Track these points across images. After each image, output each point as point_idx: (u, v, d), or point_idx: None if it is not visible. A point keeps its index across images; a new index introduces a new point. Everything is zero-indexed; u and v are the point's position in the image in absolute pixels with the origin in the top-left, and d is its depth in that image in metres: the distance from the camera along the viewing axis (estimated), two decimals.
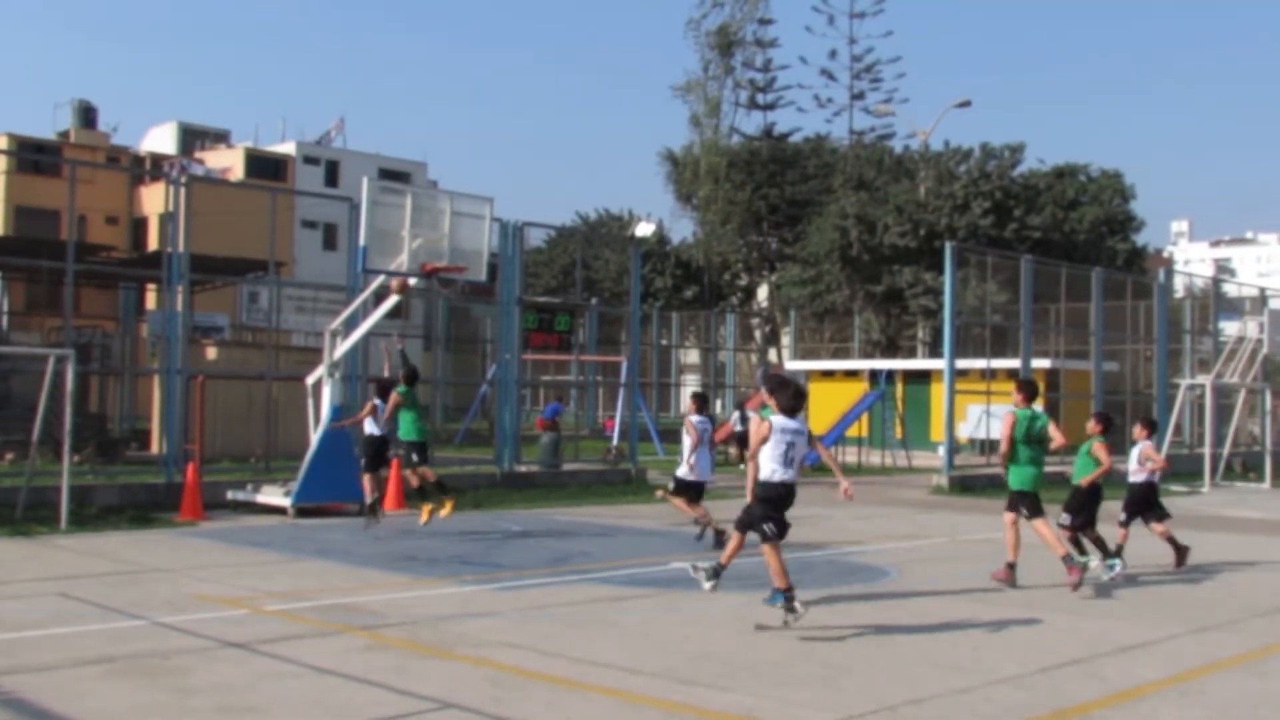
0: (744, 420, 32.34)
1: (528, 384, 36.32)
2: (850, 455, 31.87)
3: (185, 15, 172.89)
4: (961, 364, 27.20)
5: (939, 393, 29.28)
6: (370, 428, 17.06)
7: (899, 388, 35.37)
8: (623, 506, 20.52)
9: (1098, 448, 13.43)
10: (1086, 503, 13.47)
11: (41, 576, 12.09)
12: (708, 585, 10.34)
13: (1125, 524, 14.43)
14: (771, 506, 10.01)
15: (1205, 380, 29.78)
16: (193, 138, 66.55)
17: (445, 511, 15.63)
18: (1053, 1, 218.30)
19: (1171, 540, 14.25)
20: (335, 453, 18.03)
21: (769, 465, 10.00)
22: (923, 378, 36.23)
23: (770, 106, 61.37)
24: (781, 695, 7.88)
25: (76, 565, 12.82)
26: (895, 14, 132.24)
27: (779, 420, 10.07)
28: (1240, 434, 31.67)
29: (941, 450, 27.00)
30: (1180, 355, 35.17)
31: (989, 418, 28.23)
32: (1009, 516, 12.78)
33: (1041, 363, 31.55)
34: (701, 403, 16.28)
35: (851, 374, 38.70)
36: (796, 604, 9.91)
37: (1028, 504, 12.63)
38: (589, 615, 10.56)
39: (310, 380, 18.72)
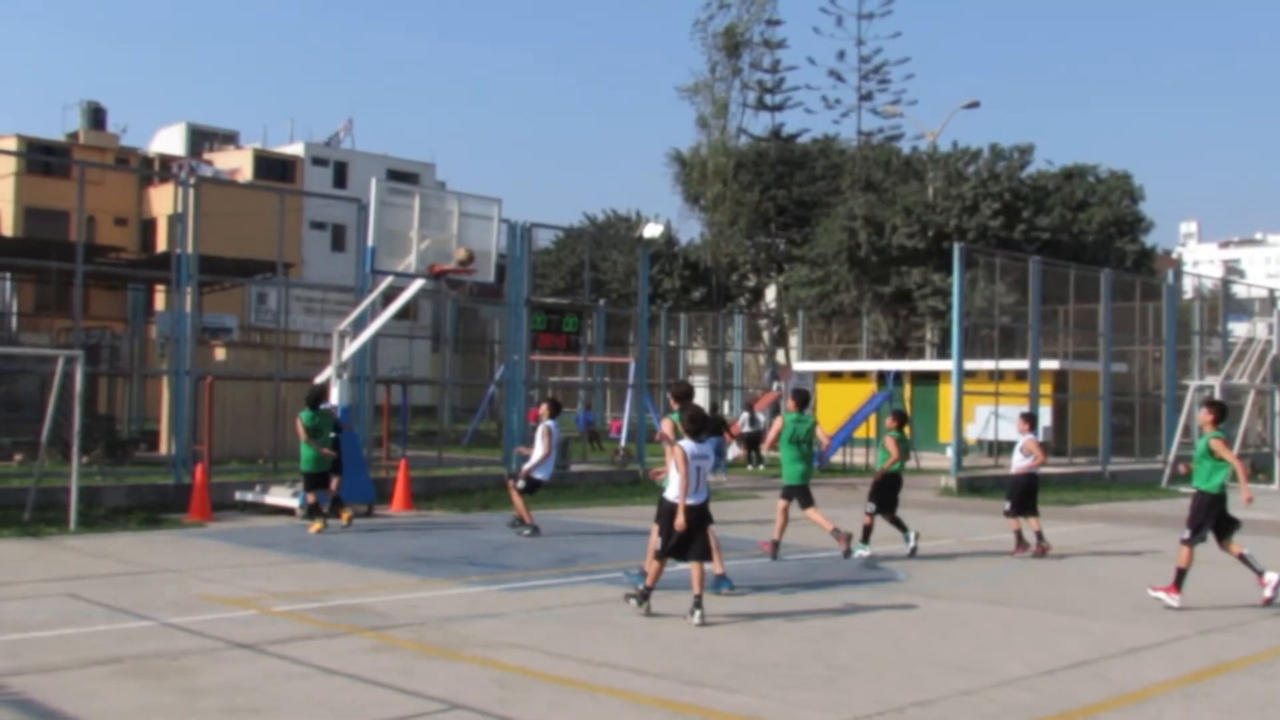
0: (753, 421, 32.44)
1: (535, 385, 36.36)
2: (858, 456, 31.85)
3: (193, 16, 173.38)
4: (970, 365, 27.18)
5: (947, 394, 29.27)
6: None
7: (907, 389, 35.32)
8: (630, 508, 20.51)
9: (889, 442, 15.06)
10: (885, 492, 14.93)
11: (49, 577, 12.14)
12: (641, 610, 10.55)
13: (1012, 514, 15.21)
14: (673, 525, 10.36)
15: (1214, 381, 29.71)
16: (201, 139, 66.70)
17: (314, 528, 16.09)
18: (1061, 2, 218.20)
19: (1034, 533, 15.11)
20: (343, 454, 18.04)
21: (675, 489, 10.40)
22: (931, 379, 36.21)
23: (778, 107, 61.35)
24: (787, 696, 7.89)
25: (84, 566, 12.87)
26: (903, 15, 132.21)
27: (688, 445, 10.44)
28: (1249, 435, 31.57)
29: (950, 451, 26.96)
30: (1189, 356, 35.08)
31: (997, 419, 28.20)
32: (781, 504, 14.18)
33: (1050, 364, 31.51)
34: (555, 408, 16.92)
35: (859, 375, 38.68)
36: (646, 603, 10.55)
37: (798, 495, 13.92)
38: (596, 616, 10.58)
39: (319, 381, 18.76)
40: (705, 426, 10.65)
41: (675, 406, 12.16)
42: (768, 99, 60.90)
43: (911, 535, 14.72)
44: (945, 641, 9.81)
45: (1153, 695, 8.19)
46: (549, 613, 10.67)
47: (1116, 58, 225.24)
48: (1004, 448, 30.10)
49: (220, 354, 28.39)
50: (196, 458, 18.81)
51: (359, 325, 18.91)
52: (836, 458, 31.37)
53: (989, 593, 12.32)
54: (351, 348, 18.56)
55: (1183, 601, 11.53)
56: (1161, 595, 11.63)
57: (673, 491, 10.42)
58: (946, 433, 30.16)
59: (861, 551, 14.40)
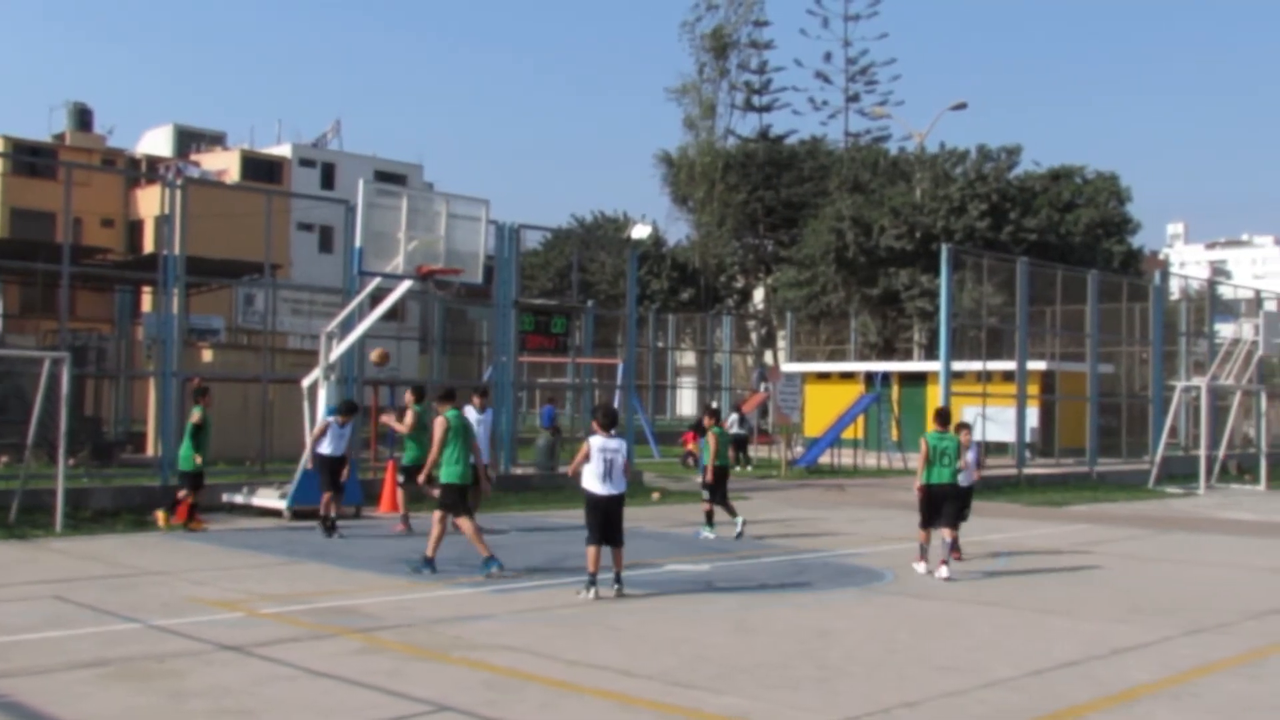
0: (741, 422, 32.44)
1: (524, 386, 36.33)
2: (846, 457, 31.90)
3: (180, 18, 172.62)
4: (957, 366, 27.22)
5: (935, 395, 29.28)
6: (323, 447, 16.66)
7: (895, 390, 35.38)
8: None
9: (711, 439, 16.75)
10: (718, 484, 16.76)
11: (36, 580, 12.08)
12: (589, 595, 11.39)
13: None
14: (595, 515, 11.38)
15: (1201, 382, 29.82)
16: (188, 140, 66.48)
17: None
18: (1050, 4, 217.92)
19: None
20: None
21: (590, 480, 11.42)
22: (919, 380, 36.27)
23: (766, 109, 61.53)
24: (776, 697, 7.89)
25: (71, 568, 12.82)
26: (890, 16, 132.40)
27: (596, 440, 11.44)
28: (1235, 436, 31.71)
29: None
30: (1176, 357, 35.21)
31: (985, 420, 28.25)
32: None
33: (1037, 365, 31.58)
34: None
35: (847, 376, 38.73)
36: (594, 588, 11.38)
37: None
38: (585, 618, 10.57)
39: (306, 383, 18.72)
40: (614, 421, 11.70)
41: (441, 409, 13.18)
42: (755, 100, 61.12)
43: (717, 530, 16.59)
44: (935, 642, 9.83)
45: (1140, 696, 8.22)
46: (538, 614, 10.66)
47: (1105, 59, 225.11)
48: (991, 449, 30.20)
49: (207, 355, 28.33)
50: None
51: (346, 326, 18.88)
52: (824, 458, 31.41)
53: (977, 593, 12.34)
54: (339, 349, 18.53)
55: (927, 567, 13.52)
56: (916, 565, 13.65)
57: (588, 483, 11.41)
58: None
59: (707, 534, 16.52)
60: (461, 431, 12.85)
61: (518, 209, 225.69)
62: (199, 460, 16.48)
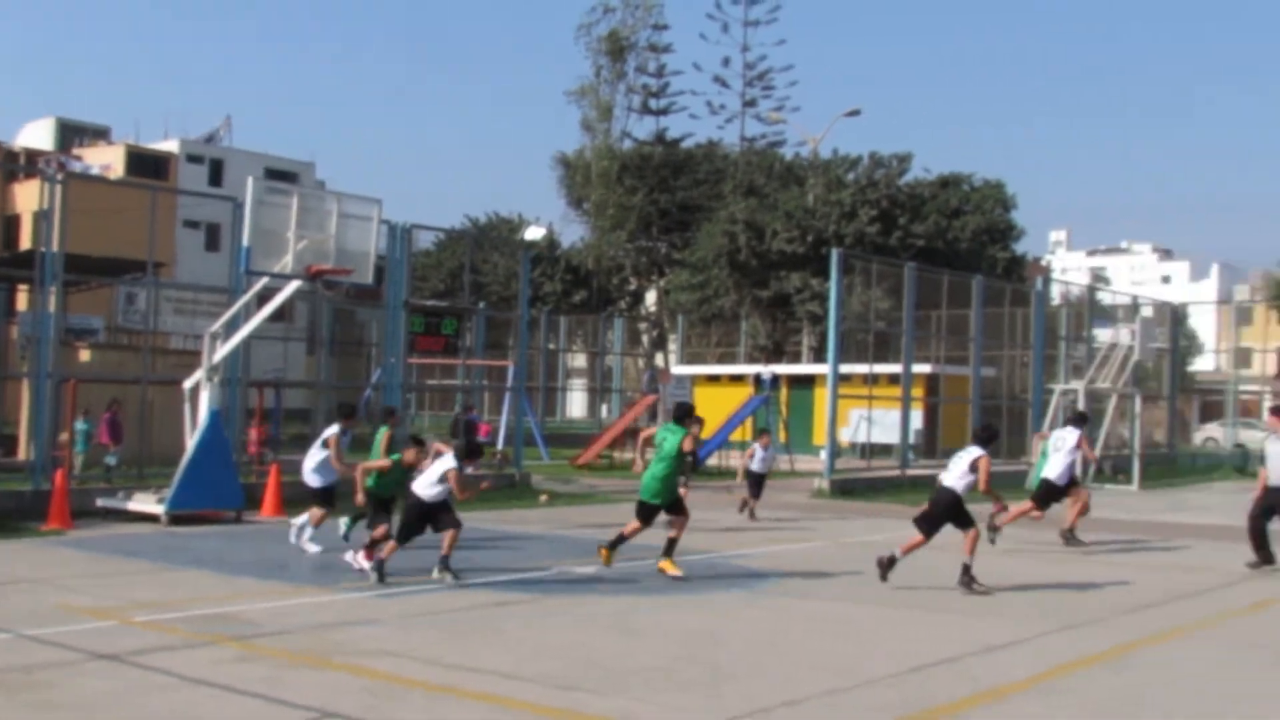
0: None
1: (413, 388, 35.96)
2: (734, 459, 32.11)
3: (59, 8, 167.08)
4: (845, 369, 27.60)
5: (822, 397, 29.67)
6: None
7: (784, 392, 35.76)
8: (507, 512, 20.43)
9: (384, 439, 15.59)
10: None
11: None
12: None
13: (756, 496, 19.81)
14: (413, 514, 12.42)
15: (1079, 385, 30.63)
16: (71, 134, 64.64)
17: None
18: (940, 15, 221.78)
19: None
20: (212, 459, 17.63)
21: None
22: (807, 382, 36.73)
23: (663, 112, 61.78)
24: (661, 700, 7.92)
25: None
26: (789, 23, 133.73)
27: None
28: (1111, 438, 32.61)
29: (824, 454, 27.38)
30: (1055, 361, 36.09)
31: (870, 423, 28.71)
32: None
33: (922, 368, 32.17)
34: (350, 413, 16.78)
35: (737, 379, 39.05)
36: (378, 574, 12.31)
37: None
38: (470, 622, 10.50)
39: (188, 385, 18.30)
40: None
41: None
42: (652, 103, 61.34)
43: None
44: (818, 642, 9.95)
45: (1015, 692, 8.41)
46: (423, 619, 10.56)
47: (992, 70, 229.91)
48: (876, 450, 30.71)
49: (85, 356, 27.57)
50: (56, 463, 18.19)
51: (232, 327, 18.50)
52: (712, 460, 31.60)
53: (860, 592, 12.50)
54: (223, 350, 18.14)
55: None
56: None
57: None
58: (821, 435, 30.59)
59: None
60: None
61: (411, 209, 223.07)
62: None
